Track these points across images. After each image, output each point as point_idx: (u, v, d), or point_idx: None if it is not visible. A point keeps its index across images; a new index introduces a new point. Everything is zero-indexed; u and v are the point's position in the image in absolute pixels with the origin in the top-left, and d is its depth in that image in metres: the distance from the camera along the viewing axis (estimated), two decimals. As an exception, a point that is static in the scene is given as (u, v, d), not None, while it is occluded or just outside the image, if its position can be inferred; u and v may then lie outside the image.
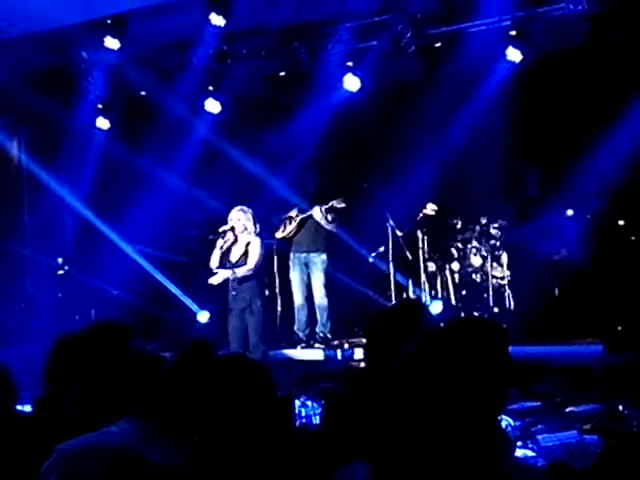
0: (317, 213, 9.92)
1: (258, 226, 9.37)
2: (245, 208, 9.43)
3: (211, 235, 9.80)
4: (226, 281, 9.32)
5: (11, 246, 11.43)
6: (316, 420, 5.59)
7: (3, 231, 11.52)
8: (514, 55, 9.76)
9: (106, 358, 2.98)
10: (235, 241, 9.33)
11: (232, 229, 9.28)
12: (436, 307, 9.64)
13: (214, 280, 9.41)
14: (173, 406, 2.67)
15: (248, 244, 9.28)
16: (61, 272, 11.60)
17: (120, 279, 10.96)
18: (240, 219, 9.30)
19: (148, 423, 2.64)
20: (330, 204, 9.84)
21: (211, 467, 2.65)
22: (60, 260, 11.55)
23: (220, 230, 9.35)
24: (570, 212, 9.43)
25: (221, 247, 9.32)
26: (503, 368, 2.51)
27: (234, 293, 9.22)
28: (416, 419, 2.28)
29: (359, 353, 9.31)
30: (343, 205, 9.85)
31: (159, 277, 10.94)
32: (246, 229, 9.30)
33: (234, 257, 9.29)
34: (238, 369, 2.92)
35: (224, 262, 9.30)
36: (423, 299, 10.05)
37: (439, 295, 10.17)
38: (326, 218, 9.91)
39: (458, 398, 2.32)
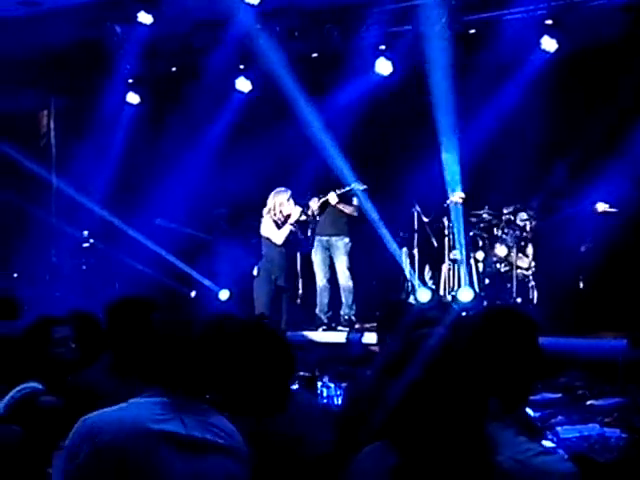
0: (332, 198, 9.95)
1: None
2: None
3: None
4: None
5: (38, 216, 11.48)
6: (338, 401, 5.60)
7: (30, 200, 11.57)
8: (549, 44, 9.68)
9: (132, 331, 2.99)
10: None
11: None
12: (465, 294, 9.58)
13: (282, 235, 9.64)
14: (199, 377, 2.69)
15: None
16: (86, 245, 11.68)
17: (144, 255, 11.00)
18: (290, 201, 9.70)
19: (175, 394, 2.65)
20: (346, 189, 9.86)
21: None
22: (86, 233, 11.62)
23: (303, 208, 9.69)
24: (601, 207, 9.35)
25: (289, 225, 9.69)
26: (533, 359, 2.51)
27: (279, 271, 9.45)
28: (444, 404, 2.28)
29: (371, 337, 9.31)
30: (360, 189, 9.85)
31: (174, 259, 10.96)
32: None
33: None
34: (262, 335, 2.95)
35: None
36: (448, 287, 10.05)
37: (463, 284, 10.12)
38: (344, 202, 9.94)
39: (487, 385, 2.31)
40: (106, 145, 11.86)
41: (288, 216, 9.71)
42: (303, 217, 10.10)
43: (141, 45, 11.13)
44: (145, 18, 10.56)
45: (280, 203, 9.71)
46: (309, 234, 10.04)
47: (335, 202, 9.97)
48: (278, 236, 9.71)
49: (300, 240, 9.89)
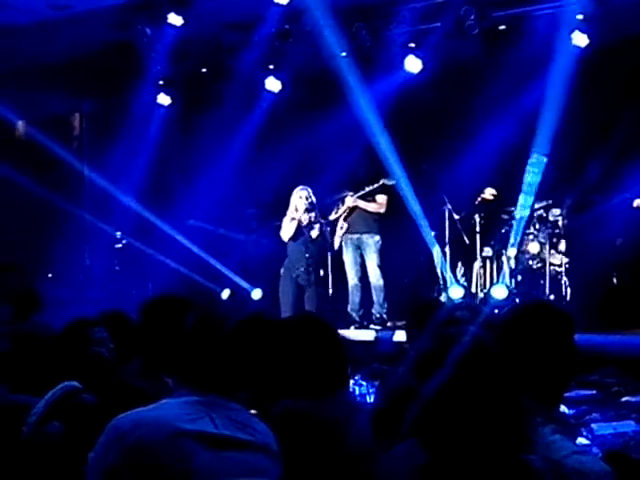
0: (349, 201, 9.95)
1: None
2: (308, 188, 9.80)
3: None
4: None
5: (72, 217, 11.58)
6: (370, 399, 5.60)
7: (64, 200, 11.67)
8: (580, 40, 9.60)
9: (166, 330, 3.02)
10: (309, 219, 9.57)
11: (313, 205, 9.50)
12: (499, 292, 9.55)
13: (286, 231, 9.76)
14: (232, 375, 2.70)
15: (319, 220, 9.75)
16: (119, 245, 11.77)
17: (177, 254, 11.06)
18: (309, 197, 9.67)
19: (207, 393, 2.67)
20: (369, 188, 9.87)
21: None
22: (118, 234, 11.71)
23: (307, 204, 9.63)
24: (637, 202, 9.28)
25: (296, 219, 9.66)
26: (568, 355, 2.50)
27: (303, 269, 9.46)
28: (477, 401, 2.27)
29: (402, 335, 9.29)
30: (376, 186, 9.84)
31: (211, 255, 11.00)
32: (315, 206, 9.71)
33: (313, 233, 9.60)
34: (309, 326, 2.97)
35: (297, 236, 9.56)
36: (480, 284, 10.02)
37: (495, 281, 10.08)
38: (366, 201, 9.94)
39: (521, 382, 2.31)
40: (137, 146, 11.93)
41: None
42: (333, 216, 10.12)
43: (171, 46, 11.20)
44: (175, 20, 10.64)
45: (293, 200, 9.77)
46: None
47: (352, 203, 9.98)
48: (284, 232, 9.77)
49: (327, 239, 9.90)
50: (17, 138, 12.52)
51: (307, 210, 9.68)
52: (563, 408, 5.78)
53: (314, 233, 9.72)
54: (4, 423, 3.33)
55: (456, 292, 9.75)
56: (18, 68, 11.09)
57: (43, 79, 11.49)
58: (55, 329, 4.05)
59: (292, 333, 3.17)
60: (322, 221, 9.84)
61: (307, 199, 9.68)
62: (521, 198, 9.69)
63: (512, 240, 9.80)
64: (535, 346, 2.41)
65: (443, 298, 9.62)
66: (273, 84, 11.31)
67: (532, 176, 9.57)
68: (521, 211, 9.77)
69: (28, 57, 11.07)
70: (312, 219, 9.71)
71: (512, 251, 10.00)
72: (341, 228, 9.98)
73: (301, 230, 9.72)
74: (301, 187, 9.80)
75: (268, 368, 3.08)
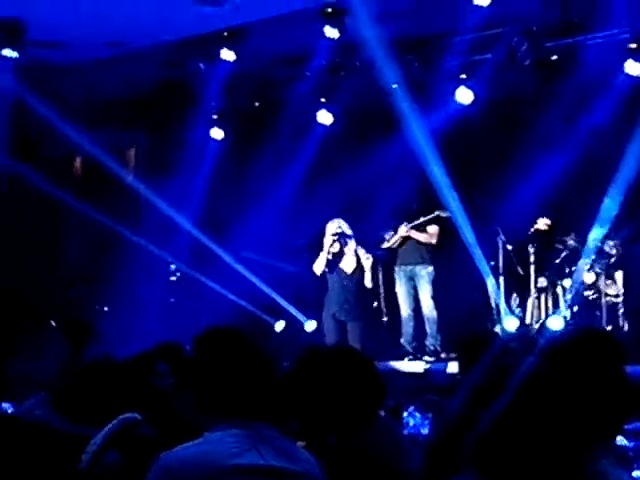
0: (402, 230, 9.93)
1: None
2: (341, 220, 9.85)
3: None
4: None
5: (128, 248, 11.73)
6: (424, 431, 5.58)
7: (120, 236, 11.83)
8: (633, 69, 9.53)
9: (219, 361, 3.03)
10: (341, 251, 9.52)
11: (344, 235, 9.48)
12: (555, 323, 9.44)
13: (316, 264, 9.73)
14: (290, 408, 2.71)
15: (356, 252, 9.45)
16: (174, 278, 11.88)
17: (231, 285, 11.13)
18: (342, 227, 9.62)
19: (256, 426, 2.67)
20: (418, 221, 9.85)
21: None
22: (173, 266, 11.82)
23: (332, 234, 9.52)
24: None
25: (329, 252, 9.50)
26: (622, 385, 2.46)
27: (345, 305, 9.42)
28: (533, 434, 2.26)
29: (456, 367, 9.21)
30: (430, 217, 9.81)
31: (265, 287, 11.04)
32: (349, 238, 9.47)
33: (348, 267, 9.53)
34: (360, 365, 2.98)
35: (332, 269, 9.54)
36: (535, 315, 9.92)
37: (550, 312, 9.97)
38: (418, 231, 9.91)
39: (578, 415, 2.28)
40: (191, 180, 12.06)
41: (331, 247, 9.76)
42: (385, 245, 10.11)
43: (224, 81, 11.37)
44: (228, 55, 10.81)
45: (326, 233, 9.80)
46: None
47: (405, 233, 9.95)
48: (315, 266, 9.78)
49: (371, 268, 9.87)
50: (75, 172, 12.75)
51: (337, 241, 9.68)
52: (622, 440, 5.69)
53: (348, 267, 9.67)
54: (63, 453, 3.37)
55: (511, 323, 9.65)
56: (75, 105, 11.32)
57: (99, 115, 11.72)
58: (115, 361, 4.10)
59: (324, 366, 3.17)
60: (363, 254, 9.76)
61: (336, 230, 9.71)
62: (595, 229, 9.55)
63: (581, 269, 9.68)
64: (584, 374, 2.38)
65: (497, 329, 9.52)
66: (325, 117, 11.37)
67: (609, 208, 9.43)
68: (593, 241, 9.64)
69: (85, 94, 11.31)
70: (344, 250, 9.69)
71: (567, 282, 9.87)
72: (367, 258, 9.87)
73: (333, 263, 9.71)
74: (334, 219, 9.89)
75: (310, 402, 3.10)
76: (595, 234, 9.57)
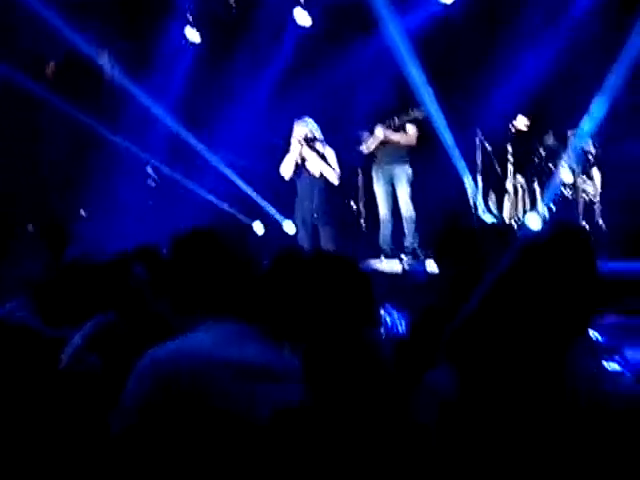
0: (379, 132, 9.83)
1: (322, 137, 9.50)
2: (310, 120, 9.54)
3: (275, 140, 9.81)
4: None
5: (106, 147, 11.65)
6: (401, 328, 5.63)
7: (96, 145, 11.73)
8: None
9: (197, 262, 3.03)
10: (310, 154, 9.40)
11: (311, 139, 9.36)
12: (533, 220, 9.49)
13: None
14: (268, 308, 2.73)
15: (324, 155, 9.35)
16: (152, 182, 11.82)
17: (210, 188, 11.11)
18: (310, 130, 9.44)
19: (239, 324, 2.70)
20: (393, 120, 9.75)
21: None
22: (150, 170, 11.75)
23: (295, 135, 9.39)
24: None
25: (296, 155, 9.43)
26: (593, 279, 2.48)
27: (315, 207, 9.35)
28: (507, 327, 2.28)
29: (434, 266, 9.26)
30: (406, 117, 9.72)
31: (247, 188, 11.00)
32: (317, 140, 9.36)
33: (316, 170, 9.39)
34: (335, 268, 2.96)
35: (300, 173, 9.44)
36: (513, 214, 9.97)
37: (527, 210, 10.03)
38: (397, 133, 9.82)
39: (552, 309, 2.31)
40: (168, 83, 11.93)
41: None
42: (365, 150, 10.03)
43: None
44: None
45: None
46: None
47: (383, 136, 9.87)
48: (282, 169, 9.64)
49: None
50: (47, 76, 12.52)
51: (304, 144, 9.47)
52: (595, 334, 5.79)
53: (316, 170, 9.52)
54: (43, 354, 3.39)
55: (488, 221, 9.71)
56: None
57: (70, 17, 11.44)
58: (92, 262, 4.09)
59: (308, 274, 3.14)
60: (329, 151, 9.53)
61: (307, 135, 9.49)
62: (582, 128, 9.51)
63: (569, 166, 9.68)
64: (558, 267, 2.40)
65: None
66: (302, 17, 11.19)
67: (598, 108, 9.38)
68: (577, 140, 9.62)
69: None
70: (310, 153, 9.48)
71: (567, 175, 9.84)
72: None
73: (302, 167, 9.56)
74: (303, 119, 9.62)
75: (294, 306, 3.10)
76: (582, 133, 9.56)
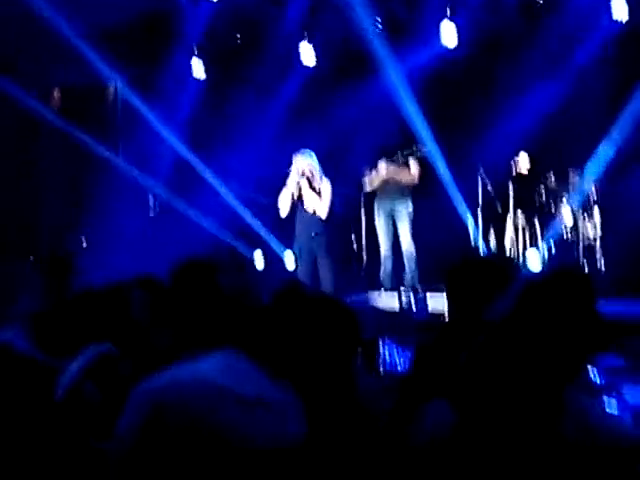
0: (382, 168, 9.85)
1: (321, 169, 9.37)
2: (309, 151, 9.40)
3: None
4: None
5: (104, 187, 11.66)
6: (400, 364, 5.63)
7: (97, 172, 11.76)
8: (620, 11, 9.44)
9: (197, 293, 3.05)
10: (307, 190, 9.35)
11: (308, 178, 9.29)
12: (533, 260, 9.48)
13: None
14: (267, 342, 2.72)
15: (320, 190, 9.30)
16: (152, 213, 11.83)
17: (212, 219, 11.13)
18: (309, 165, 9.30)
19: (237, 356, 2.69)
20: (397, 156, 9.77)
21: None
22: (151, 201, 11.77)
23: (293, 170, 9.33)
24: None
25: (292, 192, 9.33)
26: (593, 319, 2.49)
27: (311, 239, 9.31)
28: (508, 370, 2.28)
29: (434, 303, 9.28)
30: (411, 154, 9.72)
31: (250, 219, 10.99)
32: (315, 176, 9.33)
33: (308, 205, 9.34)
34: (330, 310, 2.96)
35: (297, 206, 9.39)
36: (513, 253, 9.97)
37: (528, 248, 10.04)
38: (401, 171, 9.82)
39: (552, 350, 2.31)
40: (172, 117, 11.97)
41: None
42: (368, 188, 10.05)
43: (206, 16, 11.20)
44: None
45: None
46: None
47: (386, 173, 9.87)
48: (280, 204, 9.49)
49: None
50: (53, 105, 12.59)
51: (302, 178, 9.31)
52: (594, 375, 5.77)
53: (308, 206, 9.35)
54: (41, 385, 3.37)
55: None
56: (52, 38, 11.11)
57: (77, 49, 11.51)
58: (93, 292, 4.08)
59: (306, 315, 3.12)
60: (325, 183, 9.38)
61: (302, 165, 9.31)
62: (591, 167, 9.54)
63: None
64: (557, 309, 2.41)
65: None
66: (307, 55, 11.26)
67: (605, 153, 9.41)
68: (585, 184, 9.65)
69: (61, 26, 11.08)
70: (308, 188, 9.32)
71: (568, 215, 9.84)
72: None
73: (298, 204, 9.43)
74: (303, 152, 9.42)
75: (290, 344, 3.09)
76: (587, 175, 9.59)
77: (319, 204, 9.30)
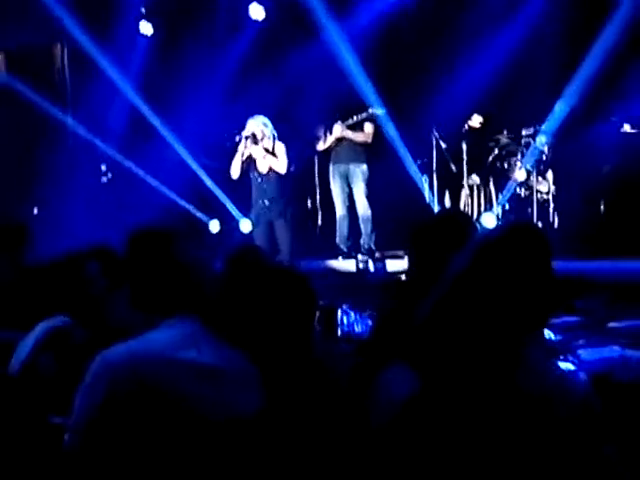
0: (337, 129, 9.82)
1: (275, 133, 9.36)
2: (261, 116, 9.40)
3: (228, 142, 9.69)
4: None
5: (55, 152, 11.48)
6: (358, 328, 5.65)
7: (47, 138, 11.57)
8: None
9: (152, 261, 3.00)
10: (257, 151, 9.32)
11: (253, 136, 9.27)
12: (489, 220, 9.54)
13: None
14: (222, 310, 2.71)
15: (273, 151, 9.28)
16: (104, 179, 11.69)
17: (166, 182, 11.03)
18: (259, 126, 9.30)
19: (194, 325, 2.68)
20: (357, 117, 9.73)
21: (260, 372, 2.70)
22: (104, 167, 11.62)
23: (242, 134, 9.33)
24: (628, 128, 9.25)
25: (242, 154, 9.31)
26: (549, 278, 2.50)
27: (268, 203, 9.28)
28: (465, 328, 2.29)
29: (392, 265, 9.34)
30: (364, 115, 9.70)
31: (208, 183, 10.91)
32: (265, 136, 9.29)
33: (262, 167, 9.32)
34: (284, 277, 2.95)
35: (249, 171, 9.37)
36: (468, 213, 10.02)
37: (483, 209, 10.10)
38: (354, 130, 9.81)
39: (507, 308, 2.32)
40: (121, 77, 11.77)
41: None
42: (321, 146, 10.02)
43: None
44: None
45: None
46: None
47: (341, 134, 9.85)
48: (231, 171, 9.50)
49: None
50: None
51: (249, 142, 9.31)
52: (549, 334, 5.84)
53: (262, 167, 9.34)
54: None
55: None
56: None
57: (22, 9, 11.27)
58: (44, 262, 4.02)
59: (258, 285, 3.10)
60: (278, 145, 9.34)
61: (249, 130, 9.33)
62: (546, 126, 9.56)
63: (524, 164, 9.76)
64: (514, 267, 2.41)
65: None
66: (257, 11, 11.15)
67: (561, 110, 9.43)
68: (543, 141, 9.68)
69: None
70: (257, 151, 9.32)
71: (522, 174, 9.90)
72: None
73: (250, 165, 9.41)
74: (255, 116, 9.44)
75: (246, 313, 3.07)
76: (543, 134, 9.63)
77: (275, 162, 9.28)
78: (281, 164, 9.29)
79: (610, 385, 4.36)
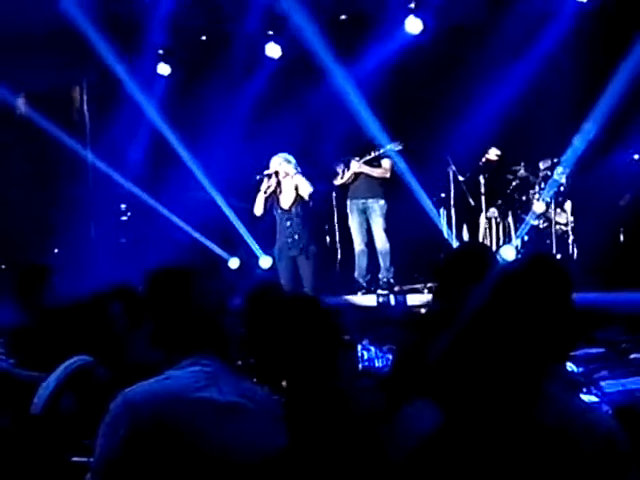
0: (354, 165, 9.85)
1: (299, 169, 9.34)
2: (286, 154, 9.39)
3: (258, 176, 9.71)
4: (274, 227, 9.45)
5: (75, 192, 11.56)
6: (378, 363, 5.63)
7: (67, 177, 11.66)
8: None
9: (172, 300, 3.02)
10: (279, 188, 9.32)
11: (276, 174, 9.28)
12: (508, 252, 9.51)
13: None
14: (243, 346, 2.71)
15: (296, 187, 9.29)
16: (124, 218, 11.75)
17: (184, 219, 11.08)
18: (281, 164, 9.29)
19: (214, 363, 2.68)
20: (374, 153, 9.76)
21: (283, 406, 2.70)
22: (123, 206, 11.69)
23: (264, 173, 9.35)
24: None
25: (265, 192, 9.32)
26: (569, 311, 2.49)
27: (290, 240, 9.28)
28: (486, 362, 2.28)
29: (412, 299, 9.33)
30: (382, 151, 9.73)
31: (231, 220, 10.93)
32: (288, 174, 9.30)
33: (285, 203, 9.32)
34: (309, 310, 2.94)
35: (273, 207, 9.37)
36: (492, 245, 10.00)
37: (501, 242, 10.07)
38: (371, 166, 9.84)
39: (528, 342, 2.31)
40: (139, 116, 11.88)
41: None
42: (338, 181, 10.05)
43: (170, 15, 11.13)
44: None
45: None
46: None
47: (358, 169, 9.88)
48: (255, 209, 9.50)
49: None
50: (18, 115, 12.44)
51: (270, 179, 9.30)
52: (571, 366, 5.80)
53: (284, 203, 9.32)
54: (18, 398, 3.33)
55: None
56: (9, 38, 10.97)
57: (42, 52, 11.40)
58: (67, 303, 4.04)
59: (279, 318, 3.11)
60: (303, 182, 9.28)
61: (272, 170, 9.31)
62: (567, 157, 9.56)
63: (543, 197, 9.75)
64: (534, 300, 2.40)
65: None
66: (273, 50, 11.25)
67: (580, 143, 9.44)
68: (561, 173, 9.67)
69: (21, 26, 10.95)
70: (281, 187, 9.32)
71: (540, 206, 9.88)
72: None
73: (273, 201, 9.38)
74: (278, 154, 9.42)
75: (267, 348, 3.08)
76: (563, 165, 9.63)
77: (301, 185, 9.27)
78: (305, 187, 9.25)
79: (636, 417, 4.32)
